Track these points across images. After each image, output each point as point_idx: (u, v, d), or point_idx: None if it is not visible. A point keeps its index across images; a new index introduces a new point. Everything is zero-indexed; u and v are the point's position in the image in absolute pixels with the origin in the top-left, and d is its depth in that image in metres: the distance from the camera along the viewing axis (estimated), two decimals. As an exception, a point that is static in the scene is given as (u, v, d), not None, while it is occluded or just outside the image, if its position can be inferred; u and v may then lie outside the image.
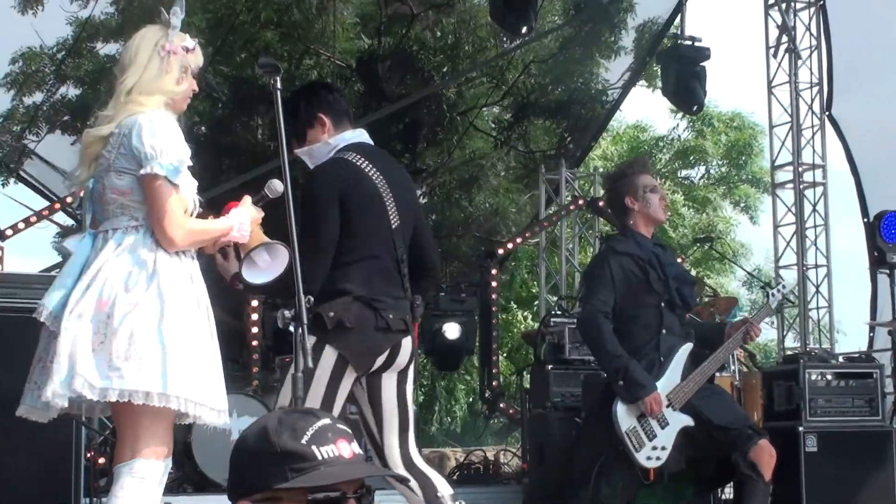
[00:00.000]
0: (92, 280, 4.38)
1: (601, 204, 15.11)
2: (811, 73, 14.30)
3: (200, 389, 4.37)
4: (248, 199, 4.72)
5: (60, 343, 4.25)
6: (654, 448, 6.51)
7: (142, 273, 4.39)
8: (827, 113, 14.38)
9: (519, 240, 15.91)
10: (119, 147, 4.48)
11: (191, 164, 4.51)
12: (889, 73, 13.94)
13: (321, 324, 4.98)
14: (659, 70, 15.83)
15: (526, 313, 26.18)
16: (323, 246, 5.04)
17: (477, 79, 19.14)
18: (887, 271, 11.44)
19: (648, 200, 6.82)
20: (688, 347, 6.66)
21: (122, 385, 4.23)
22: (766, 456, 6.56)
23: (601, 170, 21.89)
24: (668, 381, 6.58)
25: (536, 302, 24.96)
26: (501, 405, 13.40)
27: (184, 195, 4.50)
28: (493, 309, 13.01)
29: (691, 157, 31.00)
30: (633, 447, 6.48)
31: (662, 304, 6.69)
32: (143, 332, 4.27)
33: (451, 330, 12.49)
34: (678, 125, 30.78)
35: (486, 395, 13.20)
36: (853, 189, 14.77)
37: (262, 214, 4.74)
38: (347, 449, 2.45)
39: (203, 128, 19.39)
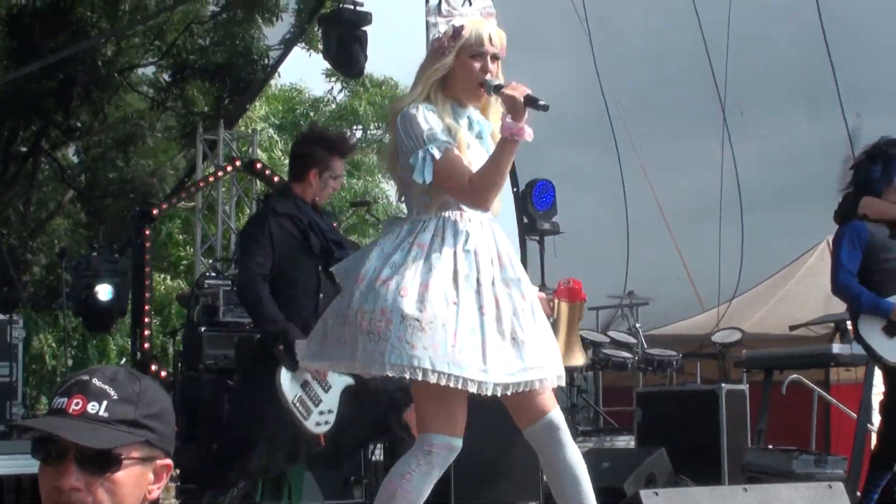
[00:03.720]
0: None
1: (258, 166, 15.08)
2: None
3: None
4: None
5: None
6: (322, 413, 6.52)
7: None
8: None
9: (175, 200, 15.69)
10: None
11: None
12: (547, 45, 14.38)
13: None
14: (320, 33, 15.86)
15: (166, 276, 25.81)
16: None
17: (135, 37, 18.75)
18: (537, 238, 11.85)
19: (326, 184, 6.82)
20: (340, 309, 6.70)
21: None
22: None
23: (259, 131, 21.82)
24: (328, 343, 6.60)
25: (185, 263, 24.75)
26: (153, 367, 13.23)
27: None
28: (146, 270, 12.82)
29: (347, 120, 31.08)
30: (301, 416, 6.47)
31: (320, 269, 6.70)
32: None
33: (103, 291, 12.24)
34: (333, 87, 30.96)
35: (138, 356, 13.03)
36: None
37: None
38: (80, 404, 2.40)
39: None
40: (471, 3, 4.68)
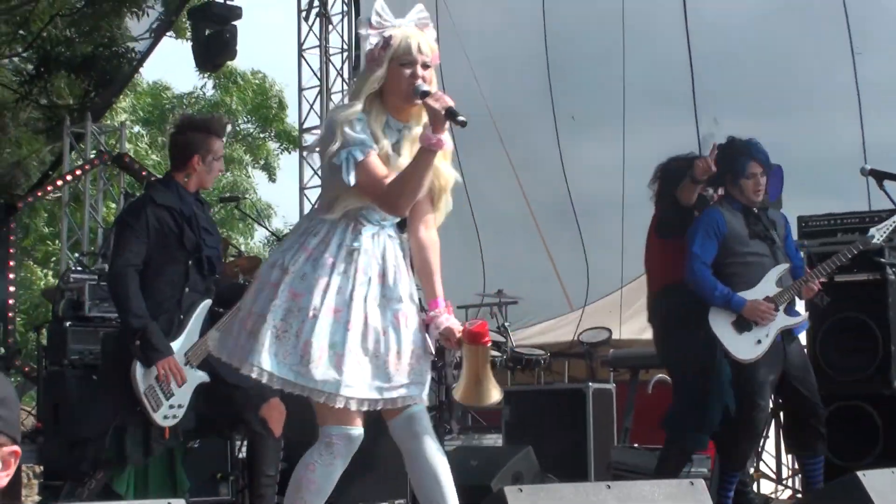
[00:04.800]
0: None
1: (127, 159, 14.92)
2: (342, 39, 14.60)
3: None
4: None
5: None
6: (171, 407, 6.47)
7: None
8: (354, 79, 14.70)
9: (39, 193, 15.45)
10: None
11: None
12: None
13: None
14: (189, 25, 15.73)
15: (46, 270, 25.47)
16: None
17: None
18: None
19: (211, 167, 6.76)
20: (206, 304, 6.64)
21: None
22: (276, 413, 6.66)
23: (128, 124, 21.57)
24: (187, 338, 6.54)
25: (55, 259, 24.39)
26: (17, 362, 13.03)
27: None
28: (10, 263, 12.63)
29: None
30: (150, 407, 6.42)
31: (191, 263, 6.64)
32: None
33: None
34: (205, 83, 30.69)
35: (2, 352, 12.81)
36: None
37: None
38: None
39: None
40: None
